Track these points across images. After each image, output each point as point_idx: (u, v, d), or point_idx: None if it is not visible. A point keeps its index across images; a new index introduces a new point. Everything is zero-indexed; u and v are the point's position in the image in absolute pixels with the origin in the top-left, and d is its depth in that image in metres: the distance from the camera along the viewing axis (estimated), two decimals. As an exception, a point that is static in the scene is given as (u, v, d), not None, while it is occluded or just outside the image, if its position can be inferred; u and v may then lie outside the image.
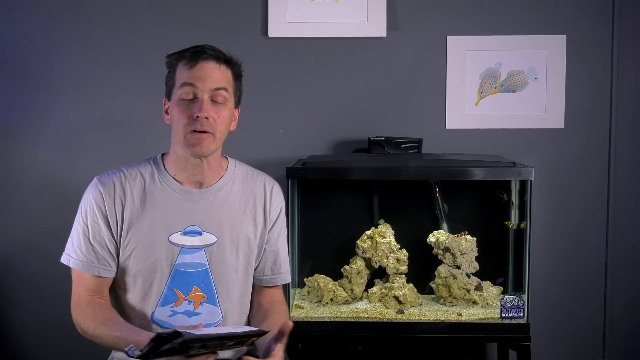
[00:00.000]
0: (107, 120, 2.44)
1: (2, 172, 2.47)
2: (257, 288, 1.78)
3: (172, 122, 1.65)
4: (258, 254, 1.76)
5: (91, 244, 1.65)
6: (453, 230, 2.19)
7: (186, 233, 1.67)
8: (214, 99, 1.61)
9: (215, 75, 1.61)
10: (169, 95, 1.66)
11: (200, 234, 1.68)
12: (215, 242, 1.68)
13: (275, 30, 2.38)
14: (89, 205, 1.66)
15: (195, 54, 1.61)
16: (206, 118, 1.59)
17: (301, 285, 2.20)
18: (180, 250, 1.66)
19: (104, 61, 2.42)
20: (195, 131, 1.59)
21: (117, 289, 1.70)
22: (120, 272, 1.67)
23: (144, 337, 1.48)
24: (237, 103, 1.71)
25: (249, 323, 1.77)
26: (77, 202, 1.70)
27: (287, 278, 1.81)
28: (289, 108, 2.42)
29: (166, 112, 1.67)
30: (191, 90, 1.60)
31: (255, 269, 1.77)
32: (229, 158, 1.78)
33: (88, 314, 1.60)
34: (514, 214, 2.16)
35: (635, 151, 2.39)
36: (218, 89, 1.61)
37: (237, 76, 1.68)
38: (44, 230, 2.45)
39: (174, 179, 1.69)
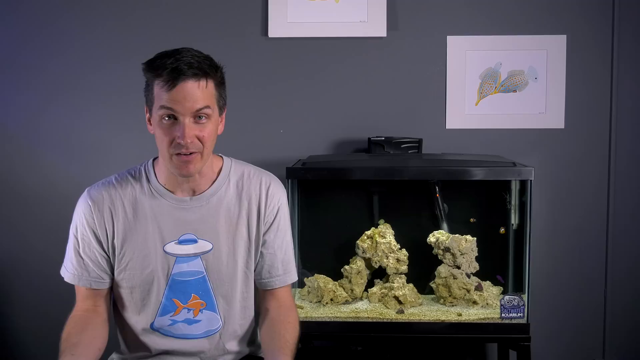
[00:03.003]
0: (106, 120, 2.44)
1: (1, 172, 2.48)
2: (261, 292, 1.73)
3: (156, 139, 1.58)
4: (256, 256, 1.70)
5: (82, 257, 1.63)
6: (454, 230, 2.19)
7: (181, 242, 1.64)
8: (196, 117, 1.53)
9: (196, 96, 1.51)
10: (149, 108, 1.58)
11: (195, 241, 1.64)
12: (211, 249, 1.65)
13: (275, 30, 2.38)
14: (79, 219, 1.64)
15: (173, 74, 1.49)
16: (190, 141, 1.52)
17: (301, 285, 2.20)
18: (176, 260, 1.64)
19: (103, 61, 2.42)
20: (180, 154, 1.53)
21: (115, 300, 1.69)
22: (118, 284, 1.66)
23: None
24: (222, 109, 1.62)
25: (256, 329, 1.74)
26: (76, 202, 1.69)
27: (287, 280, 1.73)
28: (289, 108, 2.42)
29: (149, 121, 1.61)
30: (171, 112, 1.51)
31: (253, 273, 1.73)
32: (224, 157, 1.72)
33: (68, 323, 1.59)
34: (513, 214, 2.15)
35: (635, 151, 2.39)
36: (200, 109, 1.52)
37: (220, 83, 1.59)
38: (43, 230, 2.45)
39: (165, 188, 1.65)
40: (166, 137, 1.53)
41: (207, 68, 1.53)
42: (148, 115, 1.61)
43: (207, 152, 1.57)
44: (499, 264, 2.20)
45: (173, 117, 1.52)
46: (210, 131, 1.56)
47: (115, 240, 1.63)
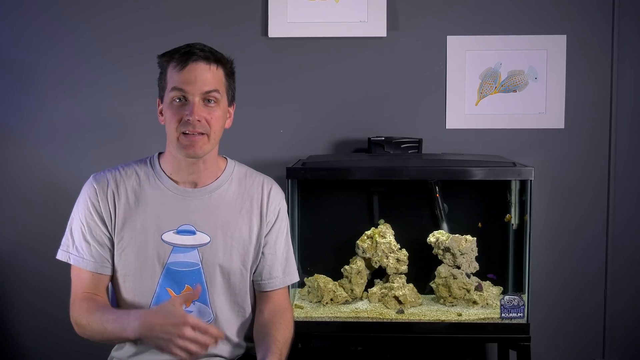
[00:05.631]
0: (105, 119, 2.44)
1: (0, 171, 2.47)
2: (258, 294, 1.76)
3: (165, 124, 1.64)
4: (255, 256, 1.73)
5: (88, 242, 1.65)
6: (454, 230, 2.19)
7: (179, 232, 1.67)
8: (205, 100, 1.60)
9: (206, 77, 1.59)
10: (161, 97, 1.65)
11: (193, 233, 1.67)
12: (209, 242, 1.67)
13: (275, 30, 2.38)
14: (85, 203, 1.66)
15: (185, 56, 1.59)
16: (198, 120, 1.58)
17: (301, 285, 2.20)
18: (173, 249, 1.66)
19: (102, 60, 2.42)
20: (187, 133, 1.59)
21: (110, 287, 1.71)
22: (114, 269, 1.67)
23: (132, 318, 1.50)
24: (232, 101, 1.70)
25: (251, 331, 1.74)
26: (74, 201, 1.70)
27: (286, 281, 1.77)
28: (289, 108, 2.42)
29: (160, 113, 1.67)
30: (182, 93, 1.59)
31: (253, 273, 1.75)
32: (228, 159, 1.77)
33: (82, 306, 1.60)
34: (514, 214, 2.15)
35: (635, 151, 2.39)
36: (209, 91, 1.60)
37: (230, 74, 1.67)
38: (42, 229, 2.45)
39: (170, 178, 1.69)
40: (175, 117, 1.60)
41: (218, 55, 1.63)
42: (160, 107, 1.67)
43: (214, 136, 1.63)
44: (499, 264, 2.21)
45: (184, 99, 1.59)
46: (218, 116, 1.62)
47: (115, 225, 1.65)
